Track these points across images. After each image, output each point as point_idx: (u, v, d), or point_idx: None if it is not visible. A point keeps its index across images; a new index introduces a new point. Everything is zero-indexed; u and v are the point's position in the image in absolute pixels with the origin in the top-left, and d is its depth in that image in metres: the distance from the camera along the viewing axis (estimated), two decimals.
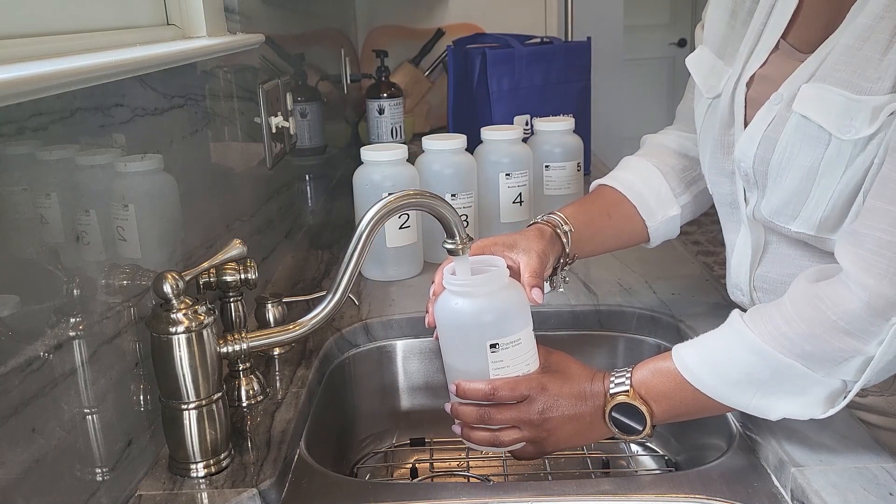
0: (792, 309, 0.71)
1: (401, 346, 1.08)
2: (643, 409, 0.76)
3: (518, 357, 0.79)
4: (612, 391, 0.77)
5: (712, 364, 0.74)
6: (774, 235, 0.84)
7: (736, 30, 0.88)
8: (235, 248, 0.72)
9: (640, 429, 0.77)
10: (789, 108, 0.76)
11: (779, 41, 0.82)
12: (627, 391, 0.77)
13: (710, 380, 0.74)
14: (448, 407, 0.83)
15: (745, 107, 0.84)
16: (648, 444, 1.03)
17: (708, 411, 0.77)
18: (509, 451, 0.82)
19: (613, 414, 0.77)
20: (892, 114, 0.68)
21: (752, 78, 0.83)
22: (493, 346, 0.77)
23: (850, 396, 0.71)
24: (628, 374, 0.78)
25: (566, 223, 0.93)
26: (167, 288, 0.69)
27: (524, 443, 0.80)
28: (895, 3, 0.69)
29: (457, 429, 0.83)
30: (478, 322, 0.78)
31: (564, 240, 0.92)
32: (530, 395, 0.78)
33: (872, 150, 0.70)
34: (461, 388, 0.79)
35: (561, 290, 0.95)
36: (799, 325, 0.70)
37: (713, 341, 0.76)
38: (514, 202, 1.32)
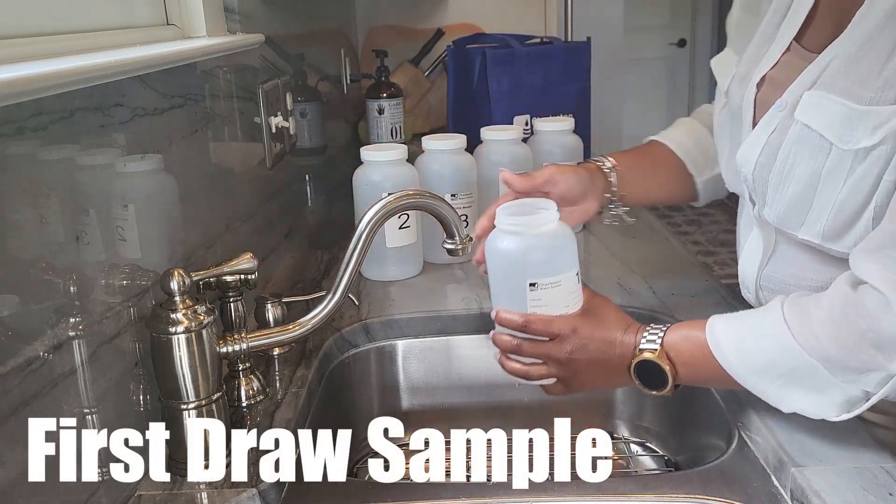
0: (828, 309, 0.70)
1: (401, 346, 1.07)
2: (667, 369, 0.77)
3: (557, 298, 0.80)
4: (641, 346, 0.79)
5: (741, 345, 0.75)
6: (784, 237, 0.84)
7: (751, 23, 0.88)
8: (246, 262, 0.73)
9: (663, 386, 0.78)
10: (792, 116, 0.76)
11: (791, 43, 0.81)
12: (656, 350, 0.78)
13: (735, 360, 0.75)
14: (491, 335, 0.86)
15: (755, 108, 0.83)
16: (648, 444, 1.03)
17: (729, 384, 0.77)
18: (540, 386, 0.85)
19: (638, 368, 0.79)
20: None
21: (762, 79, 0.83)
22: (532, 284, 0.80)
23: (867, 406, 0.70)
24: (661, 334, 0.79)
25: (609, 160, 0.98)
26: (174, 284, 0.69)
27: (553, 379, 0.83)
28: None
29: (496, 356, 0.85)
30: (519, 261, 0.80)
31: (610, 178, 0.97)
32: (561, 335, 0.80)
33: (873, 161, 0.70)
34: (499, 314, 0.83)
35: (616, 222, 1.00)
36: (830, 328, 0.69)
37: (749, 322, 0.76)
38: None
